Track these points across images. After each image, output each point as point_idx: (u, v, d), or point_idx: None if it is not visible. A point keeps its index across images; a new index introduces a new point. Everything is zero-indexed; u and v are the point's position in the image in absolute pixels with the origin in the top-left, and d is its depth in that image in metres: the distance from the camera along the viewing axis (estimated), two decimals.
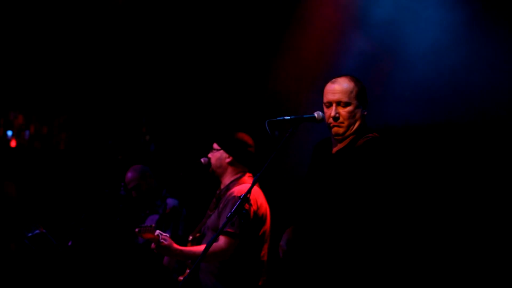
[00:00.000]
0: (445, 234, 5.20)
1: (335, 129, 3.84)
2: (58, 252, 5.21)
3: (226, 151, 4.86)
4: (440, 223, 5.24)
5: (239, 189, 4.70)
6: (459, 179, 5.19)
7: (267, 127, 3.84)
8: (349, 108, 3.83)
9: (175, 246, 4.51)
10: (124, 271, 5.71)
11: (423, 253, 5.25)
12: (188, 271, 4.80)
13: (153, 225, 4.46)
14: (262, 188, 4.86)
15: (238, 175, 4.86)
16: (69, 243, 5.37)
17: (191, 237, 4.90)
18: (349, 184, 3.68)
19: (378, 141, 3.78)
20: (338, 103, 3.83)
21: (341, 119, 3.82)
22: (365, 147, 3.75)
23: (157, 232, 4.44)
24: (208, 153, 4.94)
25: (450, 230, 5.19)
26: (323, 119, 3.85)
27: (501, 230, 4.98)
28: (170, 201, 6.02)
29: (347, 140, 3.84)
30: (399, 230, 3.73)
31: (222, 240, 4.56)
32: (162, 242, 4.43)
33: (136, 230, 4.46)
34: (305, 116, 3.86)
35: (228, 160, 4.87)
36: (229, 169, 4.87)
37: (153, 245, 4.47)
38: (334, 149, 3.88)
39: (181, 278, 4.88)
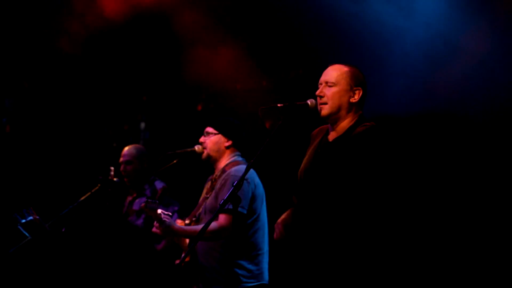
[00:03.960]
0: (444, 229, 5.19)
1: (319, 108, 3.83)
2: (52, 239, 5.21)
3: (225, 135, 4.86)
4: (439, 217, 5.23)
5: (236, 169, 4.70)
6: (458, 172, 5.18)
7: (259, 114, 3.84)
8: (334, 89, 3.82)
9: (177, 225, 4.49)
10: (117, 256, 5.71)
11: (420, 248, 5.25)
12: (183, 254, 4.78)
13: (157, 201, 4.42)
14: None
15: (232, 159, 4.85)
16: (63, 229, 5.36)
17: (188, 221, 4.87)
18: (345, 173, 3.66)
19: (375, 129, 3.76)
20: (326, 83, 3.84)
21: (324, 99, 3.81)
22: (362, 136, 3.73)
23: (160, 210, 4.41)
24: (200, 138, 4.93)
25: (450, 225, 5.18)
26: (316, 106, 3.85)
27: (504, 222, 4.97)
28: (158, 184, 6.03)
29: (344, 128, 3.83)
30: (396, 222, 3.71)
31: (222, 218, 4.55)
32: (165, 220, 4.39)
33: (143, 204, 4.39)
34: (297, 103, 3.86)
35: (227, 144, 4.86)
36: (226, 153, 4.87)
37: (156, 223, 4.42)
38: (331, 137, 3.87)
39: (177, 261, 4.86)
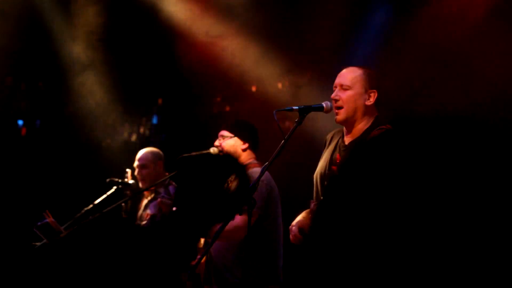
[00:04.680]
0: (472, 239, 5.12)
1: (335, 112, 3.81)
2: (67, 242, 5.22)
3: (241, 138, 4.84)
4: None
5: (252, 171, 4.68)
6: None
7: (275, 116, 3.83)
8: (349, 93, 3.79)
9: None
10: (129, 260, 5.70)
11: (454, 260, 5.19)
12: (199, 256, 4.77)
13: (172, 197, 4.40)
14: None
15: (248, 161, 4.84)
16: (75, 227, 5.36)
17: None
18: (364, 177, 3.63)
19: (391, 134, 3.72)
20: (341, 86, 3.81)
21: (340, 103, 3.78)
22: (377, 140, 3.70)
23: (175, 208, 4.39)
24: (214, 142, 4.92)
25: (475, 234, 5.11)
26: (331, 109, 3.83)
27: None
28: (172, 188, 6.01)
29: (360, 131, 3.80)
30: (412, 229, 3.67)
31: (238, 218, 4.53)
32: None
33: (159, 200, 4.36)
34: (313, 106, 3.84)
35: (243, 147, 4.85)
36: (242, 156, 4.85)
37: None
38: (347, 140, 3.84)
39: (193, 262, 4.85)
